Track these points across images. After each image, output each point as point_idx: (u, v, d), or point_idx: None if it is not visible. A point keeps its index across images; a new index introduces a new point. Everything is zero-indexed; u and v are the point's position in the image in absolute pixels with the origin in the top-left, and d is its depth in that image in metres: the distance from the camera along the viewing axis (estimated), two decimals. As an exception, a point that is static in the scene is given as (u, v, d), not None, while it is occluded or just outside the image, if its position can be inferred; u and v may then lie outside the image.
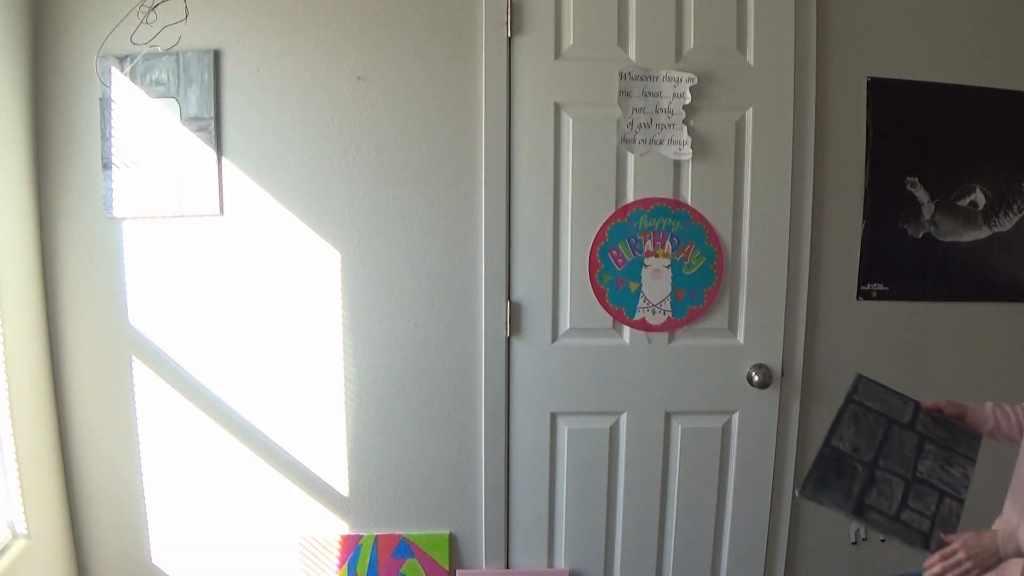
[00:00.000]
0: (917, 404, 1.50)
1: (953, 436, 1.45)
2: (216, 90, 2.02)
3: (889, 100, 2.12)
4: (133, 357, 2.11)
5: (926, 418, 1.46)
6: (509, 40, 2.03)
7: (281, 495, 2.18)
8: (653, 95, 2.04)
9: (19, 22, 1.95)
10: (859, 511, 1.26)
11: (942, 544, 1.19)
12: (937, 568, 1.18)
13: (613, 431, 2.18)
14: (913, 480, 1.34)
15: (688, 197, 2.09)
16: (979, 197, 2.18)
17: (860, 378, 1.49)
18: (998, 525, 1.31)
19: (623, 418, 2.17)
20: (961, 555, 1.17)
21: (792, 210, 2.10)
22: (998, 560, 1.17)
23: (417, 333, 2.13)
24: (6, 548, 1.88)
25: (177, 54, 1.99)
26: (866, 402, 1.47)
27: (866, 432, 1.40)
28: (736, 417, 2.18)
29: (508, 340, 2.12)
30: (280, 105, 2.05)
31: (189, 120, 2.03)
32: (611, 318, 2.12)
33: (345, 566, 2.19)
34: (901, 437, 1.41)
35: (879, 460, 1.37)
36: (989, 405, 1.48)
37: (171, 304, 2.10)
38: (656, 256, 2.10)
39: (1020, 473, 1.27)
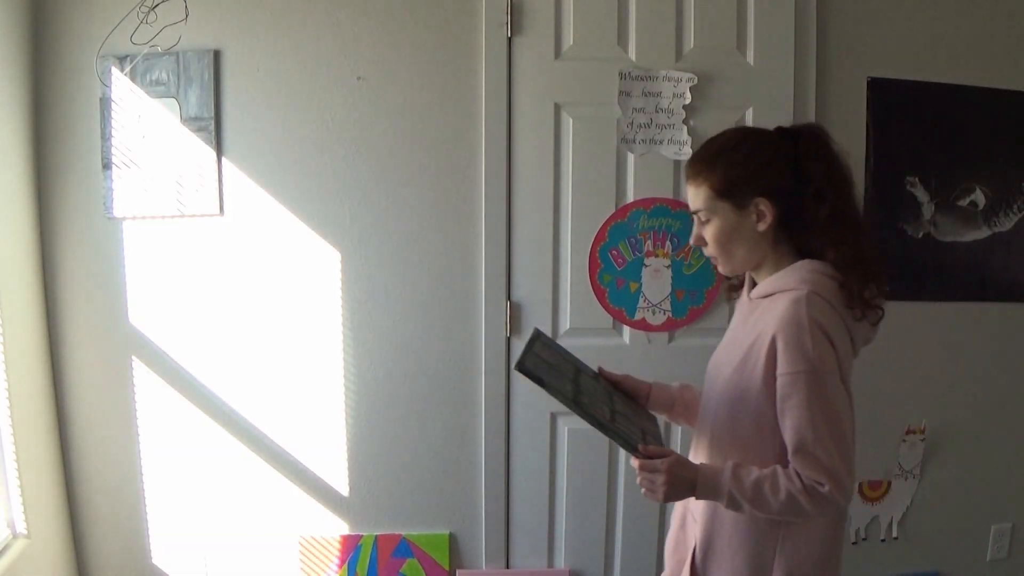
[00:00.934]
0: (599, 370, 1.48)
1: (636, 405, 1.45)
2: (216, 90, 2.02)
3: (889, 100, 2.12)
4: (133, 357, 2.11)
5: (606, 383, 1.45)
6: (509, 40, 2.03)
7: (281, 495, 2.17)
8: (653, 95, 2.04)
9: (19, 22, 1.95)
10: (578, 402, 1.22)
11: (654, 454, 1.20)
12: (637, 469, 1.21)
13: (613, 431, 2.17)
14: (615, 411, 1.31)
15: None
16: (979, 197, 2.18)
17: (539, 332, 1.43)
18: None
19: (623, 418, 2.17)
20: (662, 469, 1.18)
21: (792, 210, 2.10)
22: (691, 493, 1.20)
23: (417, 333, 2.13)
24: (6, 548, 1.88)
25: (177, 54, 1.99)
26: (550, 345, 1.43)
27: (559, 362, 1.37)
28: (736, 417, 2.18)
29: (508, 340, 2.12)
30: (280, 105, 2.05)
31: (189, 120, 2.03)
32: (611, 318, 2.12)
33: (345, 566, 2.19)
34: (589, 382, 1.38)
35: (579, 384, 1.33)
36: (676, 387, 1.50)
37: (171, 304, 2.10)
38: (656, 256, 2.10)
39: (709, 415, 1.31)
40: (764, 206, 1.22)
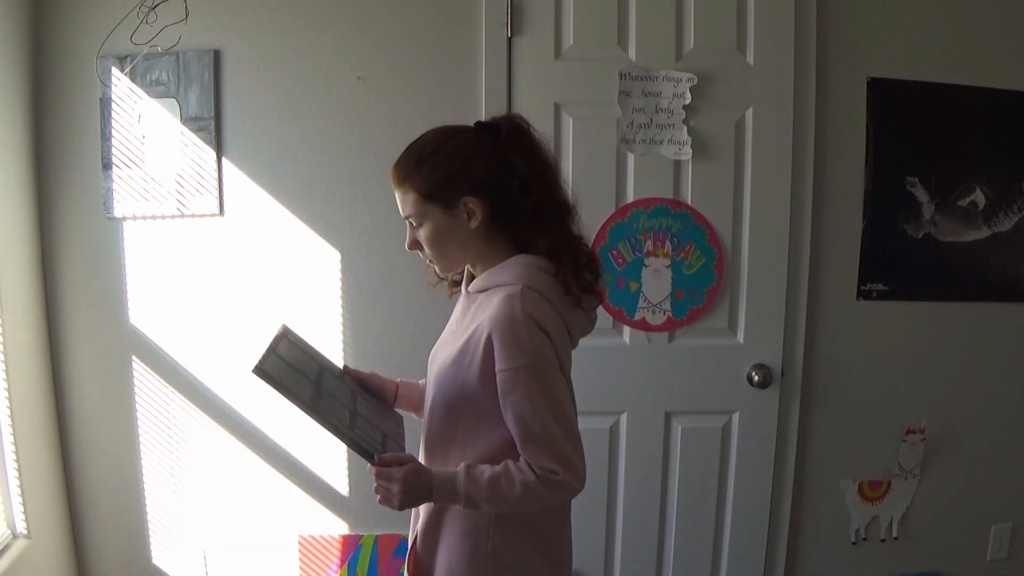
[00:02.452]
0: (345, 367, 1.48)
1: (381, 405, 1.44)
2: (216, 90, 2.02)
3: (889, 100, 2.12)
4: (133, 357, 2.11)
5: (352, 382, 1.44)
6: (509, 40, 2.03)
7: (281, 495, 2.17)
8: (653, 95, 2.04)
9: (19, 22, 1.95)
10: (316, 408, 1.20)
11: (390, 462, 1.19)
12: (373, 477, 1.21)
13: (613, 431, 2.17)
14: (356, 414, 1.30)
15: (688, 197, 2.09)
16: (979, 197, 2.18)
17: (286, 330, 1.41)
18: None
19: (623, 418, 2.17)
20: (397, 477, 1.17)
21: (792, 210, 2.10)
22: (428, 499, 1.21)
23: (417, 333, 2.12)
24: (6, 548, 1.88)
25: (177, 54, 1.99)
26: (298, 343, 1.41)
27: (304, 362, 1.35)
28: (736, 417, 2.18)
29: (508, 340, 2.12)
30: (280, 105, 2.05)
31: (189, 120, 2.03)
32: (611, 318, 2.12)
33: (345, 566, 2.19)
34: (333, 381, 1.37)
35: (321, 386, 1.31)
36: (423, 384, 1.48)
37: (171, 304, 2.10)
38: (656, 256, 2.10)
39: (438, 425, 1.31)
40: (473, 204, 1.22)
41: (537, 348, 1.16)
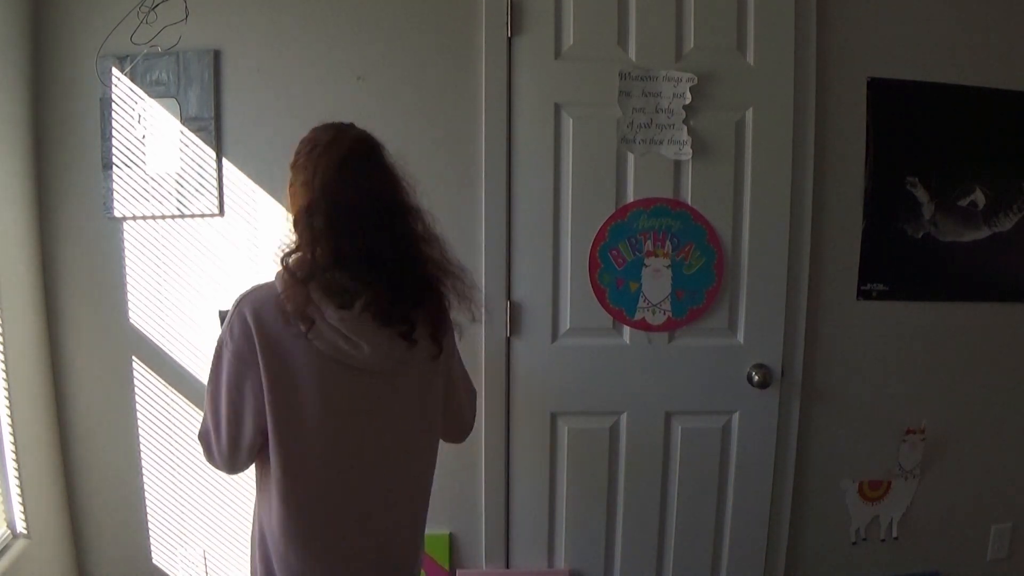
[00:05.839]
0: None
1: None
2: (216, 90, 2.02)
3: (889, 100, 2.12)
4: (133, 357, 2.11)
5: None
6: (509, 40, 2.03)
7: (281, 495, 2.17)
8: (653, 95, 2.04)
9: (19, 22, 1.95)
10: None
11: None
12: None
13: (613, 431, 2.18)
14: None
15: (688, 197, 2.09)
16: (979, 197, 2.18)
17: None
18: None
19: (623, 418, 2.17)
20: None
21: (792, 210, 2.10)
22: None
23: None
24: (6, 548, 1.88)
25: (177, 54, 1.99)
26: None
27: None
28: (736, 417, 2.18)
29: (508, 340, 2.12)
30: (280, 105, 2.05)
31: (189, 120, 2.03)
32: (611, 318, 2.12)
33: (345, 566, 2.19)
34: None
35: None
36: None
37: (171, 304, 2.10)
38: (656, 256, 2.10)
39: None
40: None
41: (225, 330, 1.27)
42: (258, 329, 1.24)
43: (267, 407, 1.26)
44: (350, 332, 1.25)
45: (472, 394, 1.60)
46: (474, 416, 1.61)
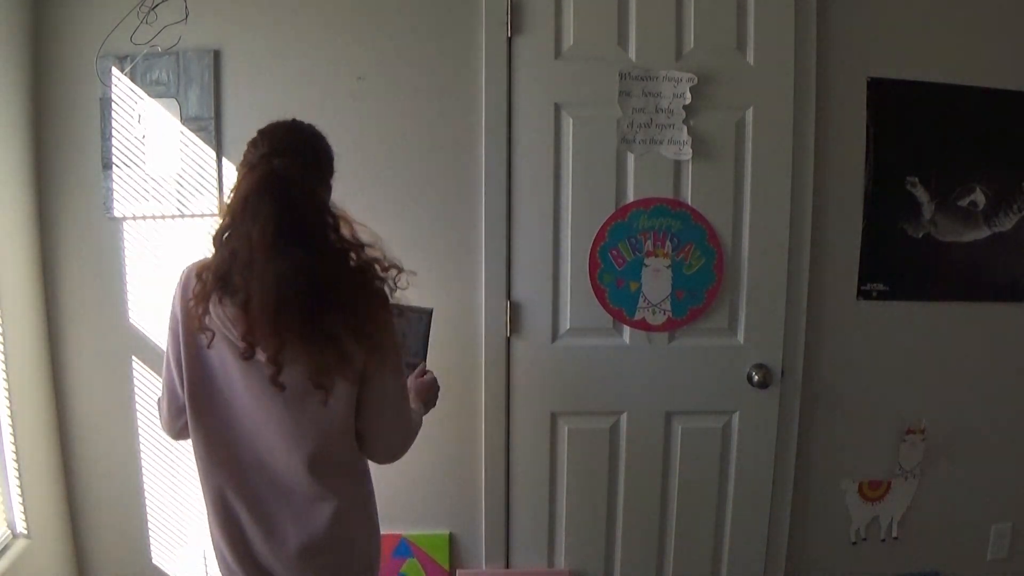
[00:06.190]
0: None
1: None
2: (216, 90, 2.02)
3: (889, 100, 2.12)
4: (133, 357, 2.11)
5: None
6: (509, 40, 2.03)
7: (281, 495, 2.17)
8: (653, 95, 2.04)
9: (19, 22, 1.95)
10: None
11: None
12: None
13: (613, 431, 2.18)
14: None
15: (688, 197, 2.09)
16: (979, 197, 2.18)
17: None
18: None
19: (623, 418, 2.17)
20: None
21: (792, 210, 2.10)
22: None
23: (417, 333, 2.13)
24: (6, 548, 1.88)
25: (177, 54, 1.99)
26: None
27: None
28: (736, 417, 2.18)
29: (508, 340, 2.12)
30: (280, 105, 2.03)
31: (189, 120, 2.03)
32: (611, 318, 2.12)
33: (345, 566, 2.19)
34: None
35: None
36: None
37: (172, 304, 2.09)
38: (656, 256, 2.10)
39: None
40: None
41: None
42: (182, 295, 1.37)
43: (183, 369, 1.35)
44: (233, 333, 1.30)
45: (406, 428, 1.51)
46: (403, 448, 1.52)
